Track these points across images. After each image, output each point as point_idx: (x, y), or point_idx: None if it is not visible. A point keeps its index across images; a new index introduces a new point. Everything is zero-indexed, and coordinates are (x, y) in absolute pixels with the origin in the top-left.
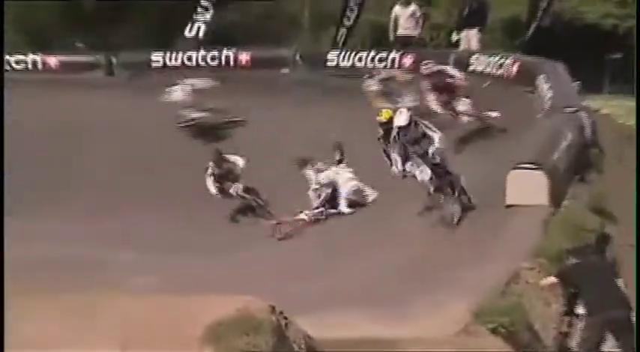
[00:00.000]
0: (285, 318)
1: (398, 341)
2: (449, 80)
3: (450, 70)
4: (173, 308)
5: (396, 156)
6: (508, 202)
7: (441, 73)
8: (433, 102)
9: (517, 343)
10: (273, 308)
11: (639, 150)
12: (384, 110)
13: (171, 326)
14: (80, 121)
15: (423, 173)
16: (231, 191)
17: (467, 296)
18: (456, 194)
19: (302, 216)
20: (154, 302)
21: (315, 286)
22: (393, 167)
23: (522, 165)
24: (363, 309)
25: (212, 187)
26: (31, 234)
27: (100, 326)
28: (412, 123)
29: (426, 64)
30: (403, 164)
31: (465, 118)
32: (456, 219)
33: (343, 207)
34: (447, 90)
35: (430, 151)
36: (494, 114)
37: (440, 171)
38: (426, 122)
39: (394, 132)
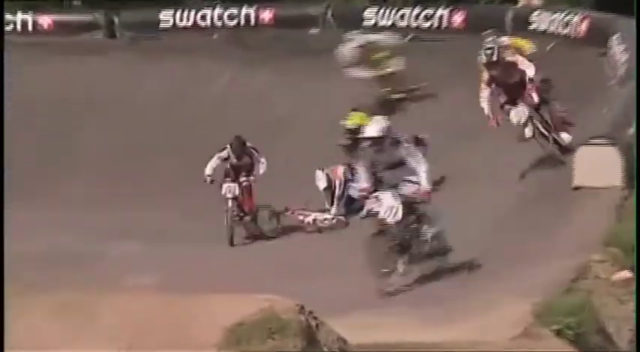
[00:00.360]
0: (316, 319)
1: (446, 346)
2: (516, 78)
3: (525, 63)
4: (185, 309)
5: (362, 176)
6: (576, 183)
7: (510, 66)
8: (485, 101)
9: (586, 346)
10: (301, 307)
11: (639, 149)
12: (353, 113)
13: (182, 328)
14: (76, 93)
15: (396, 215)
16: (223, 189)
17: (527, 293)
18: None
19: (309, 218)
20: (163, 301)
21: (349, 283)
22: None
23: (593, 141)
24: (405, 309)
25: (210, 167)
26: (24, 226)
27: (101, 329)
28: (389, 138)
29: (490, 49)
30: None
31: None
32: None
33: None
34: (509, 91)
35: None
36: (566, 136)
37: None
38: (410, 145)
39: (364, 144)
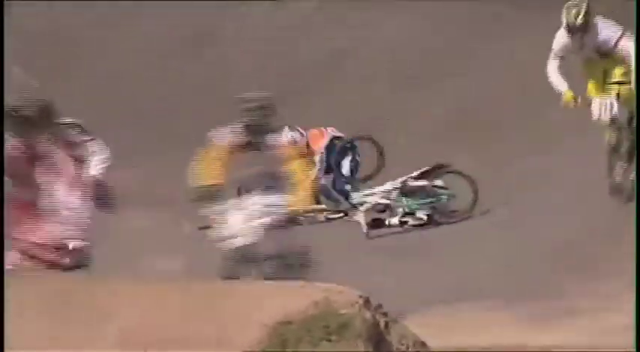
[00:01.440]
0: (385, 315)
1: None
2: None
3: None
4: (214, 301)
5: None
6: None
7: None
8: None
9: None
10: (367, 300)
11: (639, 148)
12: None
13: (212, 326)
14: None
15: None
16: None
17: None
18: None
19: None
20: (183, 290)
21: (428, 271)
22: None
23: None
24: (500, 304)
25: None
26: None
27: (109, 326)
28: None
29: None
30: None
31: None
32: None
33: None
34: None
35: None
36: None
37: None
38: None
39: None
